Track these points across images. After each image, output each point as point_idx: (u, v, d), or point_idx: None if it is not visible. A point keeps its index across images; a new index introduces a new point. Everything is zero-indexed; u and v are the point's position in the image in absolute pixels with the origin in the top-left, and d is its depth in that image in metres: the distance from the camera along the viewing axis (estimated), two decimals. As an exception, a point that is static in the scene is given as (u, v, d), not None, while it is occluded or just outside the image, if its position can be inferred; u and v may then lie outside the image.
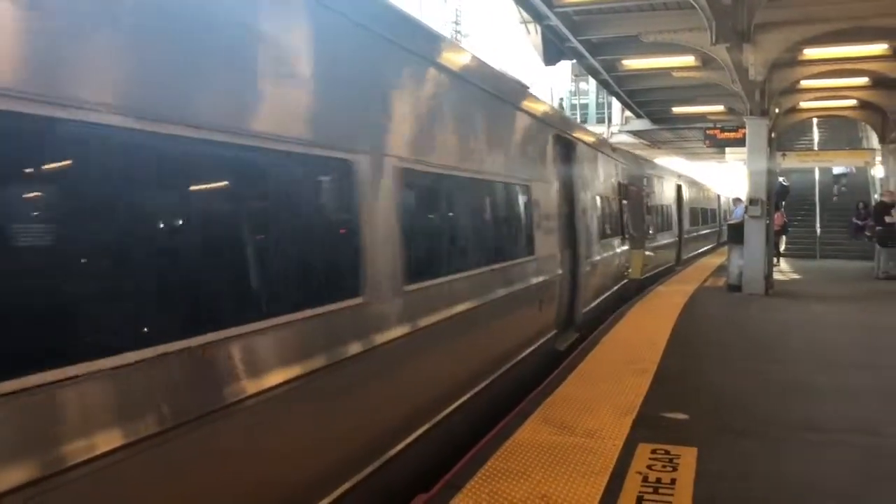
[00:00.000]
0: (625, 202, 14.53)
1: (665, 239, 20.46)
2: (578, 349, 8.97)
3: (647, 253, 16.59)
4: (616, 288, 13.36)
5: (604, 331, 10.27)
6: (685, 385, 7.29)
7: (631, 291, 14.84)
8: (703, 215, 29.25)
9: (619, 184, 14.14)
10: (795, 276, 19.60)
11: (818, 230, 26.10)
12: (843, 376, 7.73)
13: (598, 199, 11.78)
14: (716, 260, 23.93)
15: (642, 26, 13.91)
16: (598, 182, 12.14)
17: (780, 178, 24.18)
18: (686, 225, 24.38)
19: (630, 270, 14.91)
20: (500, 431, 5.67)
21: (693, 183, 27.71)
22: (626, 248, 14.31)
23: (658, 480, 4.67)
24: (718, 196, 36.43)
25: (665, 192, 21.05)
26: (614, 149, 15.07)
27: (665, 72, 17.84)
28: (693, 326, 10.83)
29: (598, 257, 11.49)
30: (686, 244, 24.29)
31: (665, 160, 31.10)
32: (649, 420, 6.02)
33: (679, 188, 23.45)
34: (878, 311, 12.81)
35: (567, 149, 9.87)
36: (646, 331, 10.31)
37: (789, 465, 5.06)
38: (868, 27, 12.91)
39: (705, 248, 29.09)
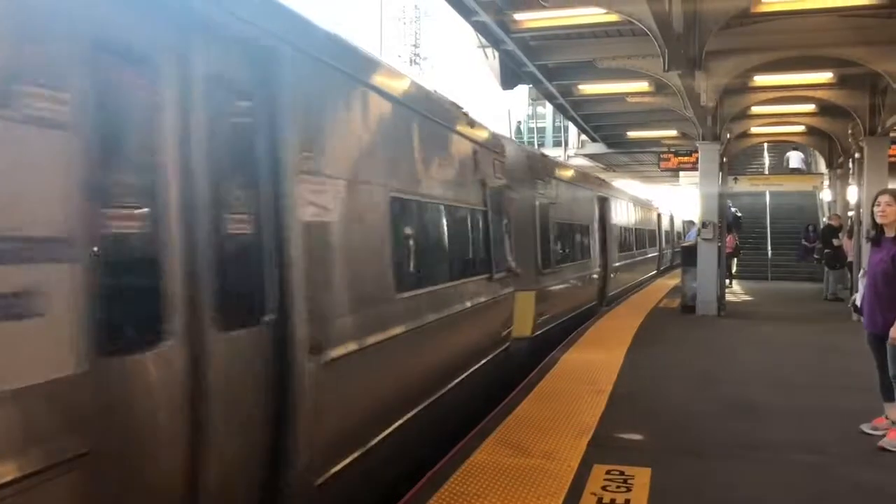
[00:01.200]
0: (500, 219, 8.79)
1: (578, 272, 14.35)
2: (536, 369, 9.04)
3: (549, 290, 11.62)
4: (476, 367, 7.55)
5: (561, 350, 10.36)
6: (640, 405, 7.40)
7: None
8: (638, 238, 23.85)
9: (486, 187, 8.21)
10: (747, 298, 19.98)
11: (769, 253, 26.66)
12: (792, 396, 7.91)
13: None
14: (653, 295, 20.05)
15: (597, 52, 14.18)
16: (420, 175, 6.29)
17: (733, 208, 24.59)
18: (613, 252, 18.17)
19: (513, 327, 9.33)
20: (458, 452, 5.70)
21: (623, 197, 21.51)
22: (501, 292, 8.57)
23: (612, 501, 4.74)
24: (660, 215, 31.23)
25: (577, 208, 14.74)
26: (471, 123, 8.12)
27: (620, 97, 18.17)
28: (648, 347, 10.98)
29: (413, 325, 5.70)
30: (615, 276, 18.25)
31: (621, 183, 31.50)
32: (605, 441, 6.10)
33: (602, 203, 17.22)
34: (826, 331, 13.12)
35: None
36: (602, 351, 10.43)
37: (740, 484, 5.17)
38: (815, 56, 13.34)
39: (642, 278, 24.17)
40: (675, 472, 5.36)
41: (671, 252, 33.56)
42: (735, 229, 23.45)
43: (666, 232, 33.40)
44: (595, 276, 16.00)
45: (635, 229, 23.16)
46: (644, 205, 26.76)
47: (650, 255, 26.96)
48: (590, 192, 16.27)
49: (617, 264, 18.56)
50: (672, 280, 23.52)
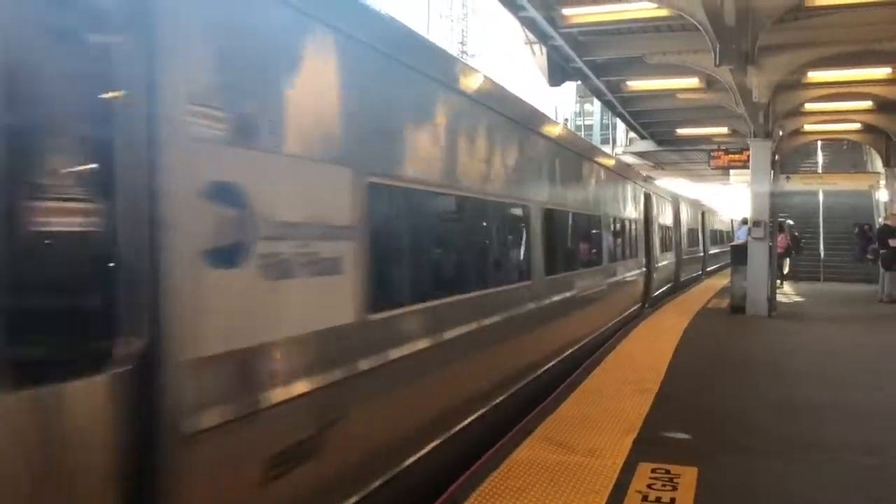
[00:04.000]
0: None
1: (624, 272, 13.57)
2: (581, 368, 8.95)
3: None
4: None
5: (607, 350, 10.24)
6: (687, 404, 7.27)
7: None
8: (686, 236, 23.51)
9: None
10: (799, 299, 19.55)
11: (822, 253, 26.07)
12: (847, 397, 7.70)
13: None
14: (702, 295, 19.40)
15: (647, 48, 13.98)
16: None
17: (794, 231, 24.57)
18: (656, 251, 17.42)
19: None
20: (499, 449, 5.65)
21: (666, 194, 20.93)
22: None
23: (658, 500, 4.65)
24: (704, 213, 29.70)
25: (624, 203, 14.03)
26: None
27: (669, 93, 17.91)
28: (696, 347, 10.80)
29: None
30: (657, 276, 17.40)
31: (669, 182, 31.05)
32: (650, 439, 6.00)
33: (647, 199, 16.46)
34: (882, 333, 12.77)
35: None
36: (648, 351, 10.28)
37: (791, 484, 5.04)
38: (872, 51, 12.97)
39: (686, 277, 23.23)
40: (723, 472, 5.24)
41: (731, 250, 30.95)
42: (795, 251, 23.32)
43: (713, 231, 32.78)
44: (639, 275, 15.33)
45: (681, 228, 22.71)
46: (690, 203, 26.26)
47: (697, 255, 26.73)
48: (636, 188, 15.54)
49: (659, 264, 18.09)
50: (721, 280, 23.13)
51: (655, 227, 17.42)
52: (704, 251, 28.40)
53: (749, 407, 7.22)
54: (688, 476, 5.09)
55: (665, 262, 19.22)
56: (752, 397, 7.66)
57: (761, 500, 4.72)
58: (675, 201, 22.03)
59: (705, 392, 7.91)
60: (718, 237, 34.50)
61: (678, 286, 21.29)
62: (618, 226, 13.03)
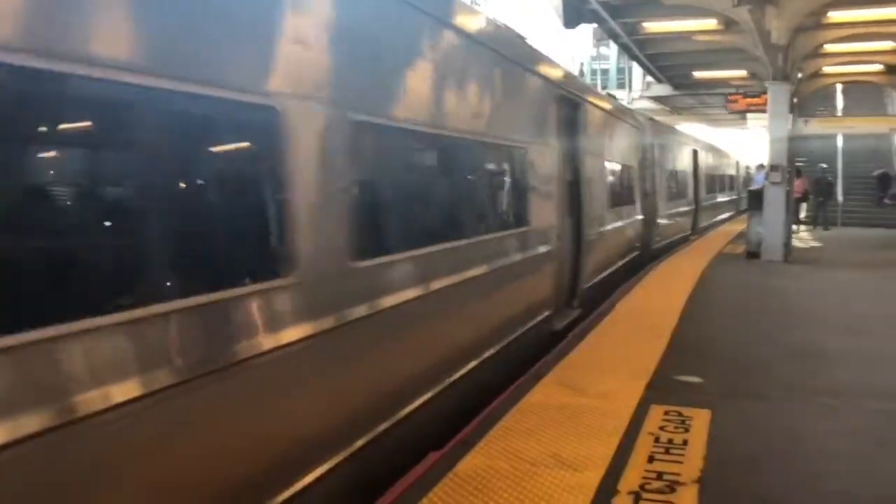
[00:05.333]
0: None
1: (681, 208, 19.97)
2: (594, 313, 8.97)
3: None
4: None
5: (620, 296, 10.24)
6: (701, 349, 7.29)
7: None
8: (720, 183, 26.16)
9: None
10: (815, 244, 19.43)
11: (840, 198, 25.82)
12: (861, 342, 7.69)
13: None
14: (720, 239, 19.72)
15: (664, -13, 13.68)
16: None
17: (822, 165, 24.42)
18: (702, 193, 22.89)
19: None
20: (513, 392, 5.70)
21: (707, 149, 24.65)
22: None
23: (670, 441, 4.69)
24: (737, 163, 32.52)
25: (679, 159, 20.20)
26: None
27: (686, 35, 17.55)
28: (710, 293, 10.79)
29: None
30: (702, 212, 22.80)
31: (686, 126, 30.67)
32: (663, 383, 6.03)
33: (694, 154, 22.38)
34: (898, 278, 12.70)
35: None
36: (662, 296, 10.28)
37: (803, 428, 5.06)
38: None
39: (723, 216, 26.54)
40: (736, 415, 5.27)
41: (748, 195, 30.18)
42: (825, 197, 23.22)
43: (712, 176, 30.58)
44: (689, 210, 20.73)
45: (718, 175, 25.96)
46: (724, 155, 29.68)
47: (731, 199, 30.72)
48: (687, 147, 20.82)
49: (704, 204, 22.98)
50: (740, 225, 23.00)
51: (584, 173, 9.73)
52: (696, 203, 22.62)
53: (762, 352, 7.23)
54: (700, 418, 5.12)
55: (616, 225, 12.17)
56: (766, 342, 7.66)
57: (773, 443, 4.75)
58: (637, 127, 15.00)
59: (718, 337, 7.92)
60: (720, 184, 29.90)
61: (644, 260, 14.54)
62: None
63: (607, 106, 12.00)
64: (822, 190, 24.09)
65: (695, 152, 22.79)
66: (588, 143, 9.95)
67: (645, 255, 14.70)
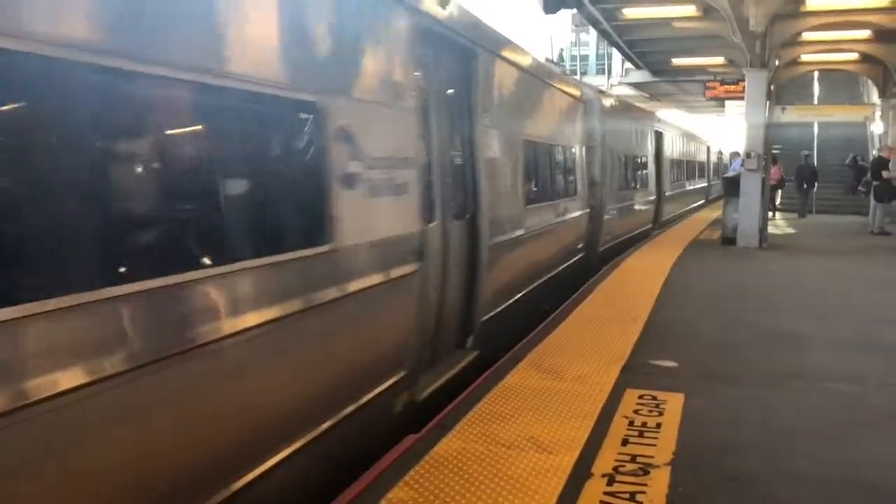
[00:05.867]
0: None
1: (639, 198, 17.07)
2: (570, 299, 9.03)
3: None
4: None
5: (596, 282, 10.31)
6: (675, 334, 7.36)
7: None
8: (689, 169, 24.57)
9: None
10: (790, 231, 19.64)
11: (815, 185, 26.10)
12: (833, 328, 7.80)
13: None
14: (695, 227, 19.27)
15: (644, -26, 13.73)
16: None
17: (806, 153, 24.56)
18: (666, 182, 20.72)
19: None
20: (490, 375, 5.74)
21: (674, 131, 23.04)
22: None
23: (644, 424, 4.75)
24: (709, 148, 31.27)
25: (639, 142, 17.43)
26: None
27: (666, 22, 17.67)
28: (686, 278, 10.89)
29: None
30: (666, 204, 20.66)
31: (665, 112, 30.78)
32: (638, 367, 6.09)
33: (658, 137, 20.05)
34: (871, 265, 12.88)
35: None
36: (638, 282, 10.36)
37: (775, 411, 5.14)
38: (872, -22, 12.77)
39: (689, 206, 24.59)
40: (709, 399, 5.34)
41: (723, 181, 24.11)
42: (807, 185, 23.32)
43: (679, 161, 28.09)
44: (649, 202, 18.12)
45: (686, 161, 23.35)
46: (694, 138, 26.39)
47: (699, 186, 27.83)
48: (648, 127, 18.28)
49: (668, 194, 20.47)
50: (715, 212, 23.15)
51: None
52: (659, 194, 19.60)
53: (736, 337, 7.32)
54: (674, 402, 5.19)
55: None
56: (740, 327, 7.76)
57: (746, 426, 4.83)
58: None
59: (693, 322, 8.00)
60: (689, 171, 26.48)
61: (591, 264, 12.19)
62: None
63: (527, 63, 8.84)
64: (805, 177, 23.92)
65: (658, 134, 19.81)
66: (493, 113, 7.22)
67: (591, 257, 12.30)
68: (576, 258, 11.24)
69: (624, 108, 16.33)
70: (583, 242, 11.69)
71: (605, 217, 13.05)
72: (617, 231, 14.33)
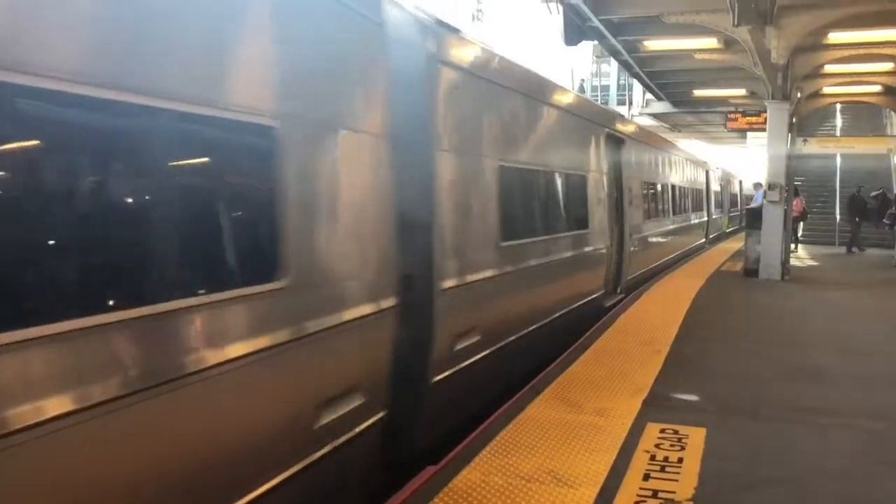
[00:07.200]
0: None
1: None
2: (593, 328, 8.99)
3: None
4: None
5: (619, 312, 10.27)
6: (697, 367, 7.31)
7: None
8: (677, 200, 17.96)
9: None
10: (813, 263, 19.48)
11: (837, 217, 25.92)
12: (857, 363, 7.72)
13: None
14: (715, 258, 19.05)
15: (664, 6, 13.76)
16: None
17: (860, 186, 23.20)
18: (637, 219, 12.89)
19: None
20: (510, 407, 5.72)
21: (652, 141, 15.83)
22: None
23: (666, 459, 4.71)
24: (708, 172, 24.23)
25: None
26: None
27: (687, 54, 17.65)
28: (708, 310, 10.82)
29: None
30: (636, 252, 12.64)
31: (686, 143, 30.68)
32: (660, 400, 6.05)
33: (618, 145, 11.89)
34: (894, 299, 12.73)
35: None
36: (660, 313, 10.31)
37: (797, 446, 5.09)
38: (894, 11, 12.73)
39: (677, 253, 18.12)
40: (731, 433, 5.29)
41: (746, 213, 19.56)
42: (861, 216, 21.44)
43: (716, 192, 25.99)
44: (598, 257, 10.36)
45: (672, 189, 17.30)
46: (686, 158, 20.51)
47: (695, 223, 21.05)
48: (587, 128, 10.31)
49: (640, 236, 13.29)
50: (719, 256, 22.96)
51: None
52: (618, 236, 11.75)
53: (759, 371, 7.26)
54: (696, 436, 5.14)
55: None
56: (763, 361, 7.69)
57: (768, 462, 4.78)
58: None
59: (715, 355, 7.94)
60: (678, 201, 18.67)
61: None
62: None
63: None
64: (858, 209, 22.43)
65: (614, 142, 11.75)
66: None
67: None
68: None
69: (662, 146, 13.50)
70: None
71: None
72: (538, 313, 7.98)
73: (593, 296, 10.33)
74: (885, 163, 28.30)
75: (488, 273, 6.44)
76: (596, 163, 10.55)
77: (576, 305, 9.38)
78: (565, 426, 5.28)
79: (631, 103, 35.37)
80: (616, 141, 12.02)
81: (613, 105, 37.67)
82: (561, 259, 8.70)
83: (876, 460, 4.87)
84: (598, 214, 10.35)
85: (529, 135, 8.02)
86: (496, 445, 4.84)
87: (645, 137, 15.64)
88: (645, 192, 14.41)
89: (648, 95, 28.87)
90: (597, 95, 42.01)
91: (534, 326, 7.71)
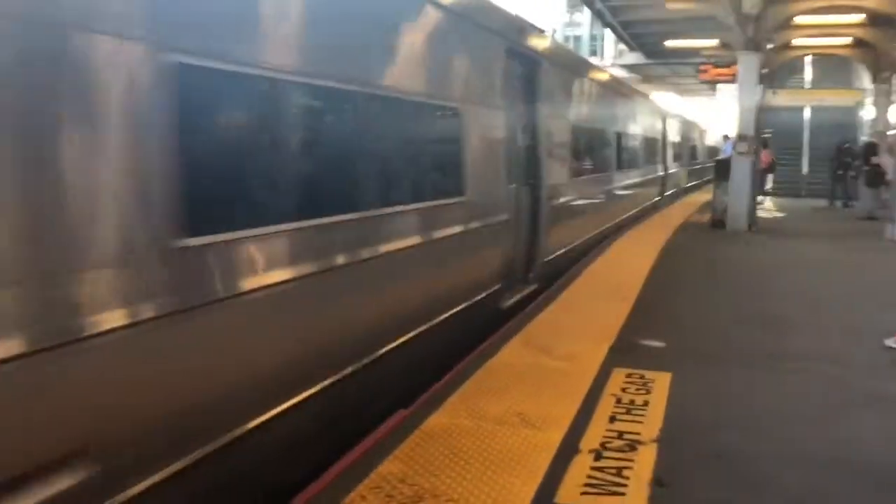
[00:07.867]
0: None
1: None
2: (562, 278, 9.09)
3: None
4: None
5: (587, 262, 10.37)
6: (663, 315, 7.44)
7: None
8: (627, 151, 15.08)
9: None
10: (779, 214, 19.74)
11: (805, 169, 26.22)
12: (819, 311, 7.89)
13: None
14: (682, 210, 19.21)
15: (639, -45, 13.70)
16: None
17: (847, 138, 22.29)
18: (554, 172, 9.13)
19: None
20: (481, 352, 5.80)
21: (583, 69, 11.92)
22: None
23: (631, 402, 4.82)
24: (665, 118, 20.98)
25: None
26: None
27: (659, 2, 17.61)
28: (675, 260, 10.96)
29: None
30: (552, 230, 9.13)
31: (658, 96, 30.72)
32: (626, 347, 6.16)
33: (532, 70, 8.39)
34: (858, 249, 12.97)
35: None
36: (628, 263, 10.43)
37: (759, 391, 5.22)
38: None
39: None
40: (696, 378, 5.42)
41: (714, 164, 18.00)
42: (845, 168, 20.46)
43: (675, 143, 23.02)
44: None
45: (618, 137, 14.13)
46: (636, 100, 17.15)
47: (647, 178, 17.85)
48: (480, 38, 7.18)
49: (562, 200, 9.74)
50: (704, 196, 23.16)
51: None
52: (533, 196, 8.57)
53: (724, 319, 7.40)
54: (661, 381, 5.26)
55: None
56: (728, 309, 7.84)
57: (730, 404, 4.91)
58: None
59: (681, 303, 8.08)
60: (638, 154, 16.83)
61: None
62: None
63: None
64: (844, 161, 21.14)
65: (528, 63, 8.43)
66: None
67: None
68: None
69: (599, 77, 11.69)
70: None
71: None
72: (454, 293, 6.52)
73: (478, 297, 6.79)
74: (852, 116, 28.63)
75: None
76: (485, 92, 7.12)
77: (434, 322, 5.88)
78: (534, 371, 5.36)
79: (603, 54, 35.27)
80: (526, 63, 8.37)
81: (585, 55, 37.47)
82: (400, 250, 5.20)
83: (832, 403, 5.03)
84: (487, 171, 7.02)
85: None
86: (466, 390, 4.92)
87: (575, 64, 11.82)
88: (574, 140, 10.39)
89: (621, 46, 28.81)
90: (569, 46, 41.76)
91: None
